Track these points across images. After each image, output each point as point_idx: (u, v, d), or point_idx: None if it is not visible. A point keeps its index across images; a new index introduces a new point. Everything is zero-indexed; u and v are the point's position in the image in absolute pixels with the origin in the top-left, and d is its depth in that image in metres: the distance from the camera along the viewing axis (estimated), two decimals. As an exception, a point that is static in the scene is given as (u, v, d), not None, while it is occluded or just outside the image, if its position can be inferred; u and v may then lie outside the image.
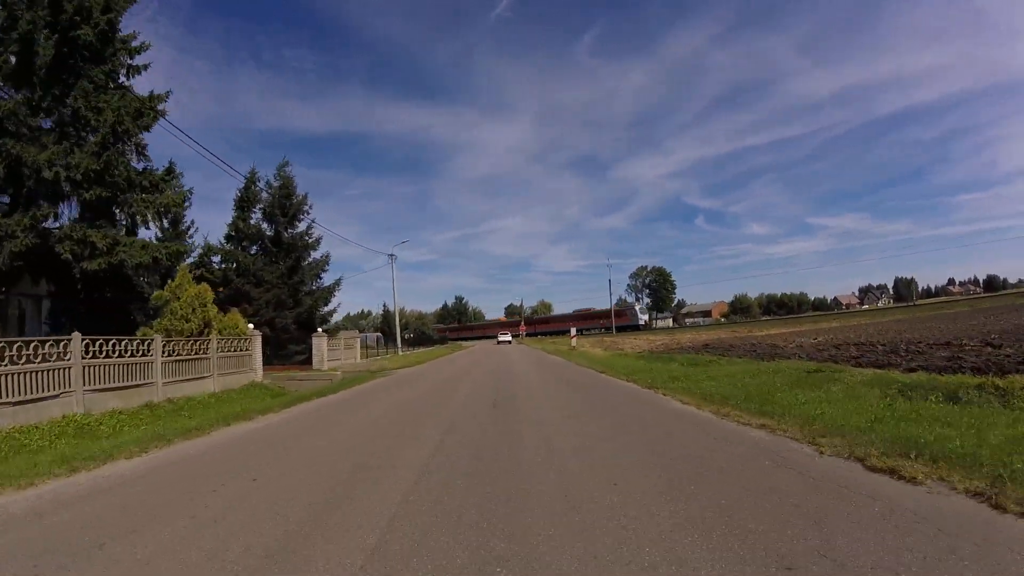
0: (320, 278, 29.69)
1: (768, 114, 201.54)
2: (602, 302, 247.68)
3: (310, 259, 30.04)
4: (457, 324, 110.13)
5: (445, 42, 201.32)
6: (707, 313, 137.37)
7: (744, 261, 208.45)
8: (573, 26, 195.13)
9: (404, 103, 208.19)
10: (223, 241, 29.87)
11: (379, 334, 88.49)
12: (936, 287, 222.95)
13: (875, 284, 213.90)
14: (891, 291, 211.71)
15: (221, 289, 28.90)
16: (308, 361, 25.88)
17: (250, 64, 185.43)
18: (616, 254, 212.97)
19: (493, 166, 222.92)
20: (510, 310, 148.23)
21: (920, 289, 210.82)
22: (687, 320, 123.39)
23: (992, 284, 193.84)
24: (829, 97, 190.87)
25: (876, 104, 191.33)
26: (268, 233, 29.05)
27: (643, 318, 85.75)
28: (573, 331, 33.94)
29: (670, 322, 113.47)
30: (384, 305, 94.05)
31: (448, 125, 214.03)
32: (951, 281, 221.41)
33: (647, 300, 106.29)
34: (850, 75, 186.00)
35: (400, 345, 44.89)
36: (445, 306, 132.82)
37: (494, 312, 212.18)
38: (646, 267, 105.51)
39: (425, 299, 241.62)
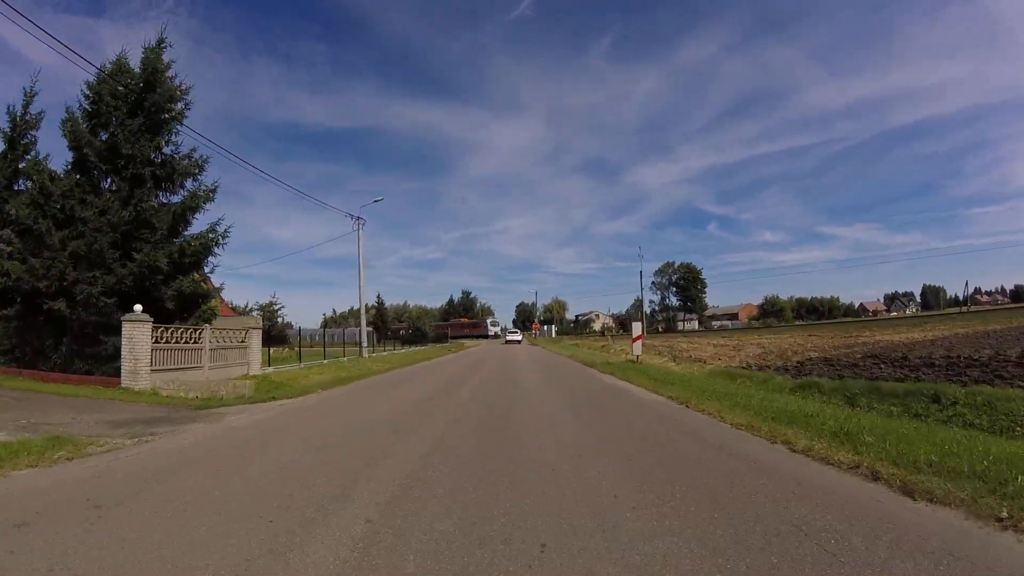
0: (187, 222, 16.62)
1: (781, 123, 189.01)
2: (616, 303, 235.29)
3: (183, 192, 17.11)
4: (460, 320, 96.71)
5: (458, 41, 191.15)
6: (733, 316, 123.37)
7: (754, 268, 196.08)
8: (587, 29, 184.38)
9: (415, 100, 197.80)
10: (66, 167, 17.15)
11: (370, 328, 75.48)
12: (963, 296, 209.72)
13: (900, 292, 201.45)
14: (918, 299, 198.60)
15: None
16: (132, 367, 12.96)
17: (264, 56, 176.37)
18: (625, 258, 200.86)
19: (502, 166, 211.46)
20: (521, 308, 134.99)
21: (948, 297, 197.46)
22: (714, 323, 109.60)
23: (1019, 294, 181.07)
24: (842, 108, 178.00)
25: (889, 116, 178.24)
26: (98, 142, 16.14)
27: (494, 330, 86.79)
28: (637, 329, 20.36)
29: (695, 325, 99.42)
30: (378, 296, 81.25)
31: (458, 124, 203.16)
32: (977, 291, 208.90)
33: (675, 299, 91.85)
34: (863, 87, 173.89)
35: (365, 345, 31.80)
36: (451, 301, 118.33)
37: (504, 310, 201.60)
38: (673, 263, 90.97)
39: (432, 297, 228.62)
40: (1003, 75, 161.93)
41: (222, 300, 54.26)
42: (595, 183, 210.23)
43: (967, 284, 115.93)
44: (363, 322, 32.80)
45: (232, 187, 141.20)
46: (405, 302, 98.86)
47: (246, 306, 66.98)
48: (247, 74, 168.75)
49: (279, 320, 65.75)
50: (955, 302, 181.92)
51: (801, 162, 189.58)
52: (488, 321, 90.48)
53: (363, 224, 30.37)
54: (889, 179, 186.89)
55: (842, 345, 23.62)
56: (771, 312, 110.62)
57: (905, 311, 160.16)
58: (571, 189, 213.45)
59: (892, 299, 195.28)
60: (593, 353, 25.64)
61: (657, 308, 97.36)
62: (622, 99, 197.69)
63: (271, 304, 65.28)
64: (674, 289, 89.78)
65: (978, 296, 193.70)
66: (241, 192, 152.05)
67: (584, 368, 17.28)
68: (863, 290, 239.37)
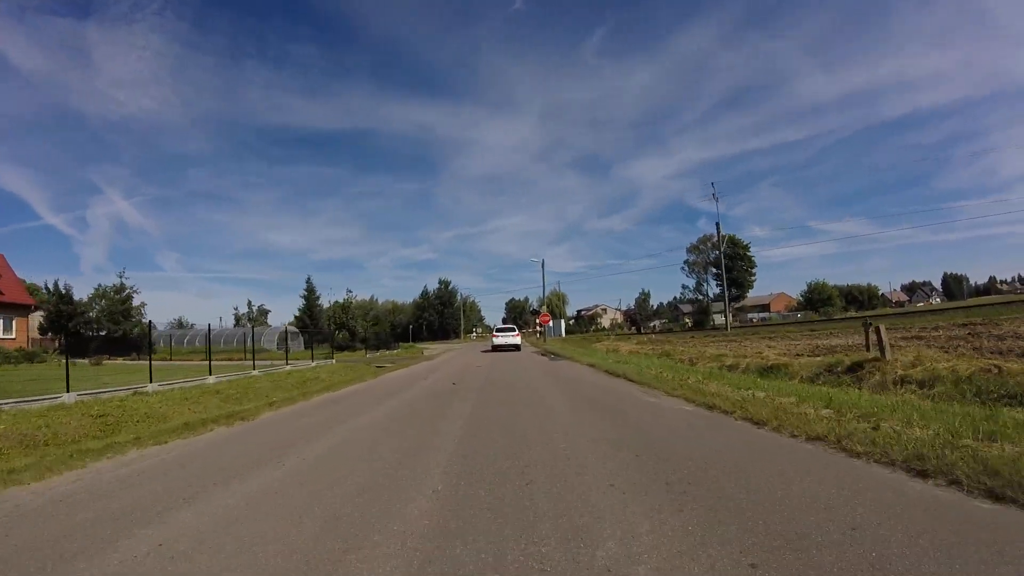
0: None
1: (772, 116, 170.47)
2: (610, 301, 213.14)
3: None
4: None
5: (452, 39, 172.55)
6: (765, 307, 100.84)
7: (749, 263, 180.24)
8: (580, 23, 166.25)
9: (409, 100, 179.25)
10: None
11: (294, 329, 49.24)
12: (980, 285, 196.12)
13: (918, 281, 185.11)
14: (939, 289, 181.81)
15: None
16: None
17: (255, 60, 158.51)
18: (618, 255, 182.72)
19: (497, 164, 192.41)
20: (512, 304, 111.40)
21: (971, 286, 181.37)
22: (749, 316, 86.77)
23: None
24: (834, 100, 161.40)
25: (879, 108, 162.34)
26: None
27: None
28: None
29: (730, 317, 76.42)
30: (308, 281, 54.19)
31: (452, 123, 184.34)
32: (992, 279, 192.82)
33: (715, 285, 67.96)
34: (854, 78, 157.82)
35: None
36: (425, 293, 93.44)
37: (493, 311, 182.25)
38: (711, 237, 67.03)
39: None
40: (991, 65, 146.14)
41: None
42: (589, 179, 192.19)
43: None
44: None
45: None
46: (372, 296, 74.27)
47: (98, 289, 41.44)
48: (238, 78, 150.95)
49: (132, 313, 40.33)
50: (977, 291, 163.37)
51: (793, 155, 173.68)
52: None
53: None
54: (879, 171, 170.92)
55: None
56: (816, 301, 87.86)
57: (930, 301, 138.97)
58: (565, 186, 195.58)
59: (912, 289, 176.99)
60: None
61: (689, 295, 74.04)
62: (615, 94, 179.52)
63: (121, 288, 40.04)
64: (714, 270, 66.10)
65: (999, 285, 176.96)
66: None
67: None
68: (856, 280, 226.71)
